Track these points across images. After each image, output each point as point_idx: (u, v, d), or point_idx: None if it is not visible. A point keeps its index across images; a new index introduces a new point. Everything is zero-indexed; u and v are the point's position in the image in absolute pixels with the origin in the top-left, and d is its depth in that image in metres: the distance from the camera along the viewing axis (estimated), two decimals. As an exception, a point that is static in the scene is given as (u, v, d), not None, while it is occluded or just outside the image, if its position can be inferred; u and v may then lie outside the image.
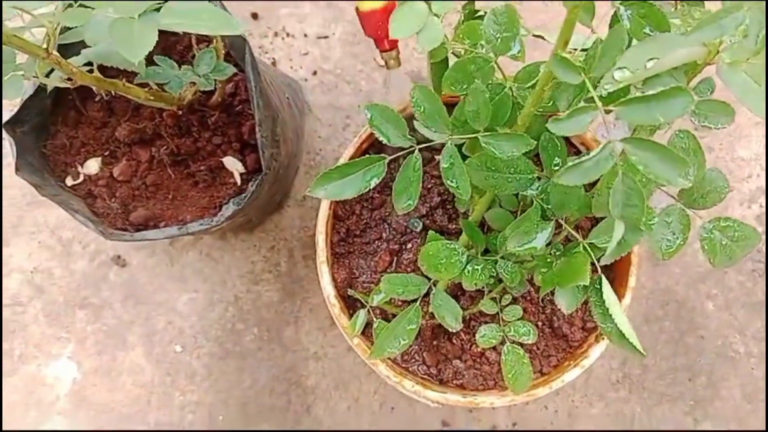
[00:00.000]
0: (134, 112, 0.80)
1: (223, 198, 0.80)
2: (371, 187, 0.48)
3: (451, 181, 0.48)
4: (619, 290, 0.70)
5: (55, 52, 0.50)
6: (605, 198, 0.45)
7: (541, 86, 0.45)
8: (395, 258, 0.75)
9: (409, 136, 0.48)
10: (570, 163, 0.37)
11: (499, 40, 0.49)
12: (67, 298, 1.05)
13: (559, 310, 0.74)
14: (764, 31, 0.39)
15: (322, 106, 1.08)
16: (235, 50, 0.76)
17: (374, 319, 0.66)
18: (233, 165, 0.79)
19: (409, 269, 0.74)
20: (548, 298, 0.75)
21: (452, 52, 0.54)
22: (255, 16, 1.08)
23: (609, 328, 0.53)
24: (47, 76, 0.54)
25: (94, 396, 1.02)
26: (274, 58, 1.08)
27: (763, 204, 1.06)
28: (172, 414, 1.01)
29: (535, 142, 0.47)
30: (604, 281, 0.52)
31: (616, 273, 0.73)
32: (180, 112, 0.78)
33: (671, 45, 0.42)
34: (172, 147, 0.80)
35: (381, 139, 0.48)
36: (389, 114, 0.47)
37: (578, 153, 0.75)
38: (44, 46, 0.48)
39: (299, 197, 1.05)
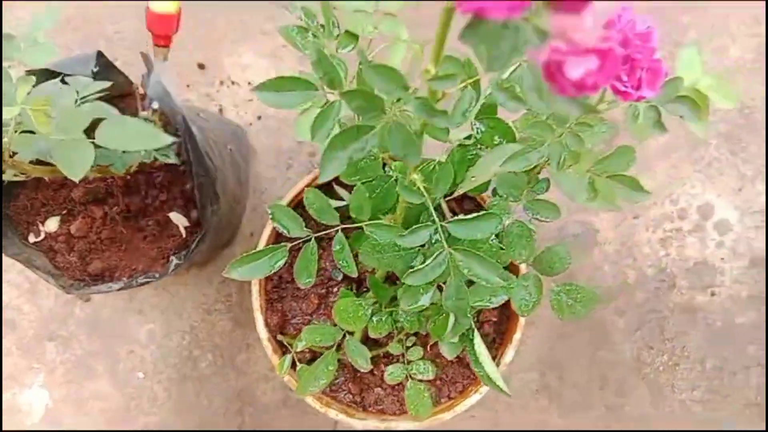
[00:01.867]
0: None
1: (171, 249, 0.90)
2: (276, 270, 0.58)
3: (342, 262, 0.59)
4: (510, 334, 0.82)
5: (9, 159, 0.60)
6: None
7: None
8: (323, 301, 0.86)
9: (305, 229, 0.59)
10: (412, 270, 0.48)
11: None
12: (37, 332, 1.14)
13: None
14: (565, 155, 0.50)
15: (267, 149, 1.18)
16: (176, 120, 0.86)
17: (297, 362, 0.77)
18: (178, 219, 0.89)
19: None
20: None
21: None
22: (201, 66, 1.17)
23: (481, 372, 0.64)
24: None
25: (66, 421, 1.12)
26: (221, 105, 1.18)
27: (666, 228, 1.18)
28: (136, 435, 1.12)
29: (405, 231, 0.58)
30: (476, 336, 0.63)
31: (508, 326, 0.85)
32: (128, 176, 0.88)
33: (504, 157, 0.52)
34: (123, 205, 0.89)
35: (282, 231, 0.58)
36: (287, 212, 0.58)
37: (479, 206, 0.86)
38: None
39: (247, 233, 1.15)
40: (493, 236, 0.57)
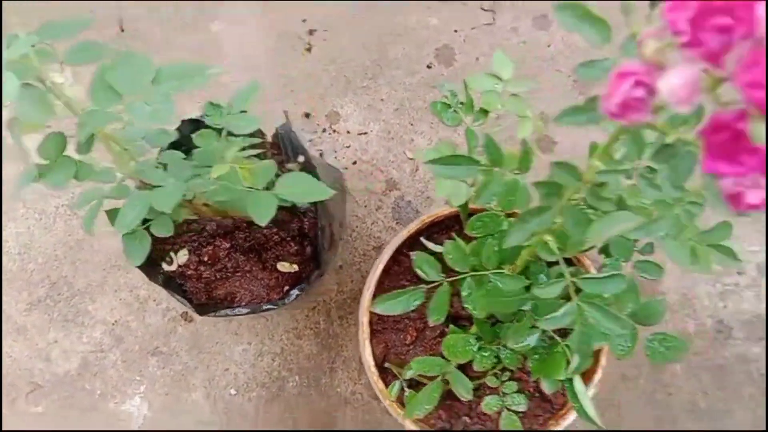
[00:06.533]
0: (218, 211, 1.01)
1: (287, 280, 1.02)
2: (414, 308, 0.69)
3: (470, 305, 0.70)
4: (592, 374, 0.91)
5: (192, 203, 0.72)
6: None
7: (531, 248, 0.66)
8: (420, 334, 0.97)
9: (441, 274, 0.69)
10: (548, 316, 0.58)
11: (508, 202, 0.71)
12: (142, 347, 1.26)
13: (548, 379, 0.95)
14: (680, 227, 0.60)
15: (359, 190, 1.30)
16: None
17: (405, 389, 0.87)
18: (284, 267, 1.01)
19: (431, 343, 0.95)
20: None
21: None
22: (307, 115, 1.30)
23: (578, 407, 0.74)
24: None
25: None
26: (321, 150, 1.30)
27: (725, 283, 1.26)
28: (227, 447, 1.22)
29: (528, 281, 0.68)
30: (577, 376, 0.73)
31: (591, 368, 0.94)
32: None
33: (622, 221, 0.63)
34: (248, 238, 1.01)
35: (422, 276, 0.69)
36: (428, 259, 0.69)
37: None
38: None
39: (337, 265, 1.27)
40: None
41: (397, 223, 1.30)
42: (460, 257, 0.68)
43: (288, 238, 1.02)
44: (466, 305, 0.70)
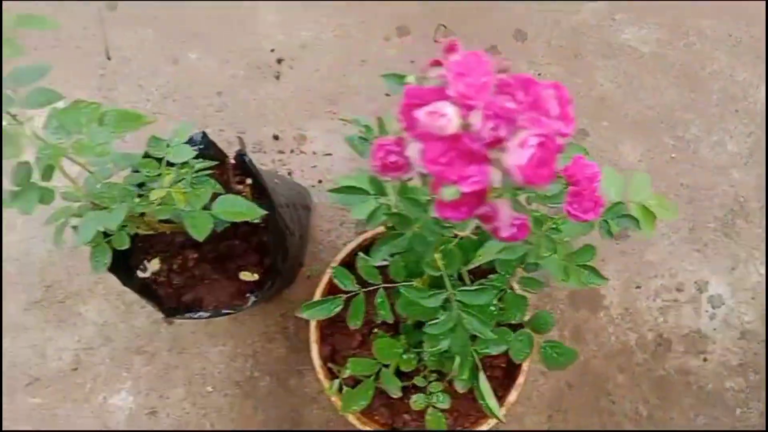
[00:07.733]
0: (188, 225, 1.13)
1: (248, 287, 1.13)
2: (334, 314, 0.80)
3: (382, 311, 0.80)
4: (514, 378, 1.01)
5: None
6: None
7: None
8: (365, 339, 1.07)
9: (356, 285, 0.80)
10: (432, 321, 0.69)
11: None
12: (128, 346, 1.38)
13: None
14: (543, 249, 0.70)
15: (325, 206, 1.41)
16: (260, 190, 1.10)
17: (343, 387, 0.98)
18: (247, 277, 1.12)
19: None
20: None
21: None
22: (276, 137, 1.42)
23: (483, 403, 0.84)
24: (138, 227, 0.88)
25: (145, 424, 1.35)
26: (290, 169, 1.42)
27: (666, 298, 1.35)
28: (202, 439, 1.34)
29: (428, 294, 0.79)
30: (481, 375, 0.83)
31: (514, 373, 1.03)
32: (219, 227, 1.12)
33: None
34: (213, 249, 1.13)
35: (340, 286, 0.80)
36: (344, 272, 0.80)
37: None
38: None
39: (305, 275, 1.38)
40: (496, 300, 0.78)
41: (359, 236, 1.41)
42: (369, 271, 0.79)
43: (250, 250, 1.14)
44: (379, 311, 0.80)
